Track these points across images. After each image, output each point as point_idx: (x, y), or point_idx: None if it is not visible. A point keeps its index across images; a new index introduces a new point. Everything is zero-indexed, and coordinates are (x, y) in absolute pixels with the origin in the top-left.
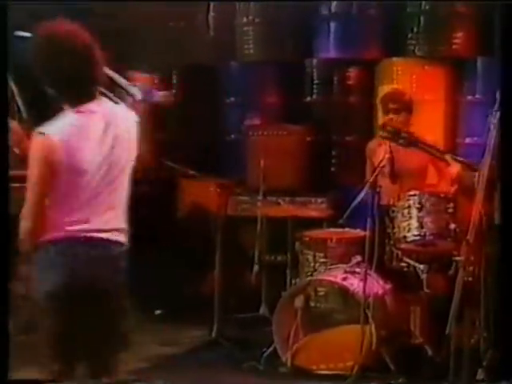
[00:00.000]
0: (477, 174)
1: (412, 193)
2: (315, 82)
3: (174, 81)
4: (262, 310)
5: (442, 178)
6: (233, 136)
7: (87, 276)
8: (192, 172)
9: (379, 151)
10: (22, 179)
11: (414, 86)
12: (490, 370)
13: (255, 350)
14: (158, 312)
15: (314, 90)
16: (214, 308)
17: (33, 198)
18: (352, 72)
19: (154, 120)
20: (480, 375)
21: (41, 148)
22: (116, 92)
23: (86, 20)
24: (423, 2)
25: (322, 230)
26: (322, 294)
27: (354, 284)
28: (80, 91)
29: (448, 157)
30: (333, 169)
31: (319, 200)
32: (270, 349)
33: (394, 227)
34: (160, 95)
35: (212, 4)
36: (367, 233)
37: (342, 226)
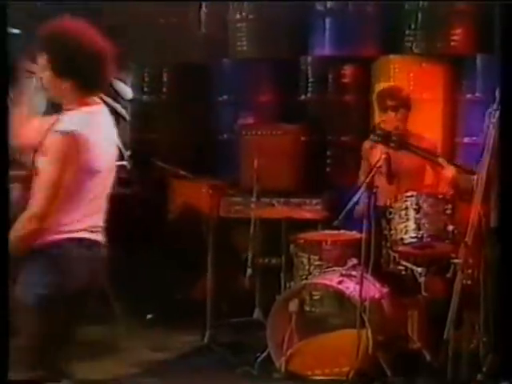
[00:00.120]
0: (473, 175)
1: (409, 194)
2: (310, 79)
3: (165, 79)
4: (256, 314)
5: (439, 178)
6: (225, 135)
7: (84, 277)
8: (183, 172)
9: (376, 151)
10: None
11: (412, 84)
12: (489, 376)
13: (249, 355)
14: (149, 316)
15: (309, 89)
16: (206, 312)
17: (50, 198)
18: (348, 70)
19: (145, 119)
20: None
21: (67, 146)
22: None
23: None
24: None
25: (317, 231)
26: (317, 297)
27: (350, 287)
28: (93, 86)
29: (441, 160)
30: (328, 169)
31: (314, 201)
32: (264, 354)
33: (390, 229)
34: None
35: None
36: (363, 235)
37: (338, 228)
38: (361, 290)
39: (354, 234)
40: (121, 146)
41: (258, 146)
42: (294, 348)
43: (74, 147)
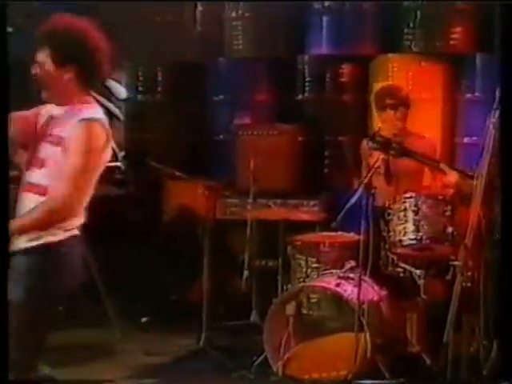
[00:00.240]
0: (475, 177)
1: (408, 195)
2: (307, 79)
3: (160, 78)
4: (253, 317)
5: (438, 179)
6: (221, 135)
7: (81, 274)
8: (179, 173)
9: (374, 151)
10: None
11: (411, 83)
12: (490, 380)
13: (245, 359)
14: (143, 320)
15: (306, 88)
16: (202, 315)
17: (74, 188)
18: (345, 69)
19: (140, 119)
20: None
21: (97, 134)
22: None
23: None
24: None
25: (314, 233)
26: (314, 300)
27: (348, 290)
28: (94, 76)
29: (443, 166)
30: (326, 170)
31: (311, 202)
32: (261, 357)
33: (389, 231)
34: None
35: None
36: (361, 237)
37: (336, 230)
38: (359, 293)
39: (352, 236)
40: (115, 146)
41: (255, 146)
42: (292, 352)
43: (103, 134)
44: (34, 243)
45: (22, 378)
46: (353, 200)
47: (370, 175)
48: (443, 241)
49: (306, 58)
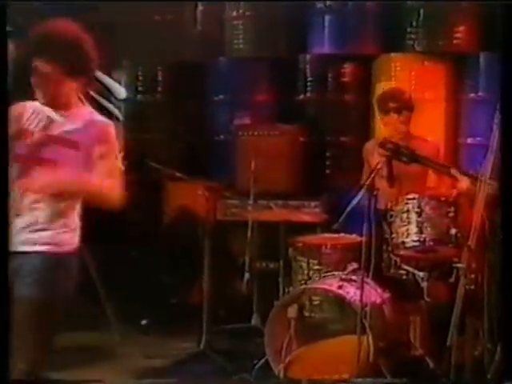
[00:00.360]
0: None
1: (411, 196)
2: (309, 78)
3: (160, 78)
4: (254, 320)
5: (442, 180)
6: (222, 136)
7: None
8: (179, 174)
9: (376, 152)
10: None
11: (414, 83)
12: (494, 383)
13: (246, 362)
14: (143, 322)
15: (308, 88)
16: (202, 318)
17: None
18: (348, 68)
19: (139, 120)
20: None
21: (116, 135)
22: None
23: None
24: None
25: (316, 235)
26: (316, 303)
27: (351, 292)
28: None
29: (454, 171)
30: (327, 171)
31: (313, 204)
32: (262, 361)
33: (391, 232)
34: None
35: None
36: (364, 238)
37: (337, 231)
38: (361, 295)
39: (355, 238)
40: None
41: (255, 146)
42: (293, 355)
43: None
44: (43, 247)
45: (22, 378)
46: (355, 201)
47: (372, 176)
48: (446, 242)
49: (308, 57)
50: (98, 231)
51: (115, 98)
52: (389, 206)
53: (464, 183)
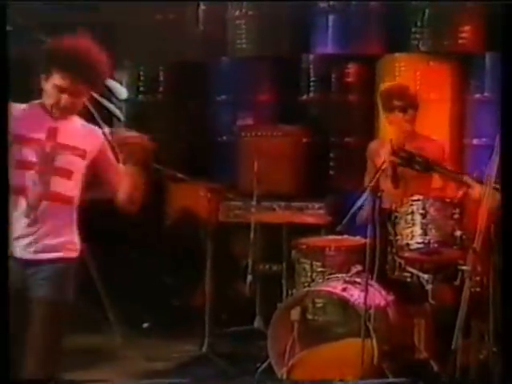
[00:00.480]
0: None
1: (415, 198)
2: (312, 79)
3: (161, 78)
4: (257, 322)
5: (447, 182)
6: (224, 137)
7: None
8: (181, 175)
9: (381, 153)
10: None
11: (418, 83)
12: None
13: (249, 365)
14: (145, 325)
15: (311, 88)
16: (204, 321)
17: None
18: (351, 68)
19: (141, 120)
20: None
21: None
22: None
23: (69, 13)
24: None
25: (319, 237)
26: (320, 305)
27: (355, 295)
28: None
29: (467, 178)
30: (331, 172)
31: (317, 205)
32: (265, 364)
33: (396, 234)
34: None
35: None
36: (368, 240)
37: (341, 233)
38: (365, 298)
39: (359, 240)
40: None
41: (258, 147)
42: (296, 358)
43: None
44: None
45: (23, 378)
46: (359, 203)
47: (376, 178)
48: (451, 244)
49: (311, 57)
50: (100, 233)
51: (117, 98)
52: (393, 208)
53: (477, 190)
